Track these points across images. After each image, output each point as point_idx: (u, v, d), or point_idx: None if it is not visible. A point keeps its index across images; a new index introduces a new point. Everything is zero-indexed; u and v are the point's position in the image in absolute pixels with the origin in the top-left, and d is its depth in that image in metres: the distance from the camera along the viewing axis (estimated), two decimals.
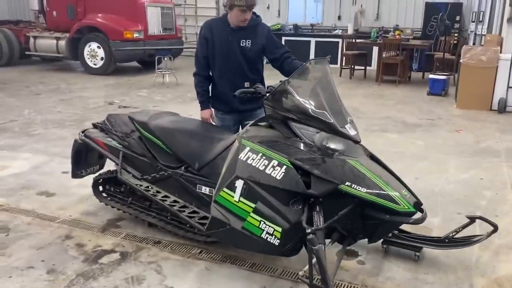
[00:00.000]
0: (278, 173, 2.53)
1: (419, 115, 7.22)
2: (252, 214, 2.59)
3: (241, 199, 2.63)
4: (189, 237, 3.22)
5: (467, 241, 2.97)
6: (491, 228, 2.89)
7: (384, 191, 2.44)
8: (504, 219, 3.66)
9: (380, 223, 2.54)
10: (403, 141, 5.89)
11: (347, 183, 2.45)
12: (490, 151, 5.48)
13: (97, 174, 3.73)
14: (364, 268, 3.01)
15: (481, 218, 2.93)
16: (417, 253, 3.07)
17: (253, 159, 2.62)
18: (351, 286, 2.80)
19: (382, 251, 3.17)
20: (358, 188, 2.44)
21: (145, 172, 3.32)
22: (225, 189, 2.70)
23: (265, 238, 2.56)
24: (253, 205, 2.59)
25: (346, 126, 2.60)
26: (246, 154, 2.66)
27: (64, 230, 3.46)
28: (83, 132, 3.61)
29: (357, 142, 2.62)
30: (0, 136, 5.91)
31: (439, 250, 3.09)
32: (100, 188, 3.71)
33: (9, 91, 8.76)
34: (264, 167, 2.58)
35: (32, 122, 6.60)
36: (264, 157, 2.59)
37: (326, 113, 2.55)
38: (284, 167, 2.52)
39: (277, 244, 2.54)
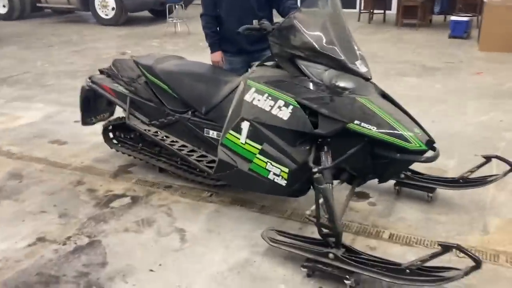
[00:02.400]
0: (284, 114, 2.45)
1: (439, 59, 6.96)
2: (258, 156, 2.54)
3: (247, 141, 2.58)
4: (199, 181, 3.21)
5: (482, 181, 2.88)
6: (508, 167, 2.79)
7: (395, 129, 2.34)
8: None
9: (390, 162, 2.46)
10: (422, 84, 5.70)
11: (356, 122, 2.36)
12: None
13: (106, 121, 3.71)
14: (375, 209, 2.97)
15: (497, 157, 2.82)
16: (430, 194, 3.00)
17: (259, 100, 2.54)
18: (361, 226, 2.77)
19: (394, 193, 3.12)
20: (368, 126, 2.35)
21: (153, 117, 3.28)
22: (231, 132, 2.64)
23: (272, 179, 2.52)
24: (259, 147, 2.54)
25: (356, 62, 2.48)
26: (252, 95, 2.58)
27: (76, 177, 3.48)
28: (90, 78, 3.56)
29: (367, 79, 2.51)
30: (14, 87, 5.92)
31: (453, 191, 3.02)
32: (111, 134, 3.70)
33: (22, 44, 8.72)
34: (270, 107, 2.50)
35: (45, 73, 6.58)
36: (270, 98, 2.51)
37: (336, 48, 2.43)
38: (291, 107, 2.44)
39: (284, 184, 2.50)
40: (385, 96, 2.58)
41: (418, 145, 2.33)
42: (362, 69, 2.48)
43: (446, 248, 2.01)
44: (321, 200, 2.32)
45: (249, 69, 3.41)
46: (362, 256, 2.25)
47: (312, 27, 2.46)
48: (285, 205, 2.99)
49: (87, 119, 3.69)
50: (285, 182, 2.48)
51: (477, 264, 1.98)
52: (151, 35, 9.39)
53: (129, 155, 3.58)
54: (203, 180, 3.17)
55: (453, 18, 8.59)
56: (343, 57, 2.41)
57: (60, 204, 3.09)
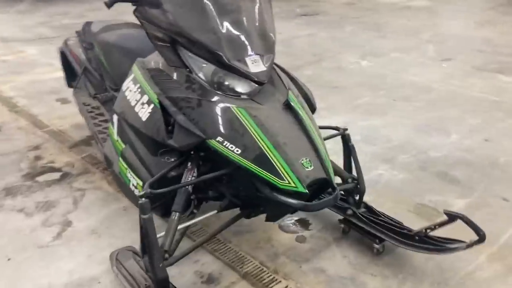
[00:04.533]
0: (144, 113, 1.93)
1: None
2: (120, 159, 2.09)
3: (118, 138, 2.13)
4: None
5: (441, 247, 2.02)
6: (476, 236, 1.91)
7: (265, 156, 1.69)
8: None
9: (268, 198, 1.81)
10: None
11: (218, 138, 1.75)
12: None
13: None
14: (297, 248, 2.30)
15: (463, 218, 1.93)
16: (377, 246, 2.22)
17: (130, 91, 2.05)
18: (257, 268, 2.14)
19: (340, 231, 2.39)
20: (231, 147, 1.73)
21: (97, 91, 2.98)
22: (110, 123, 2.22)
23: (132, 190, 2.05)
24: (122, 148, 2.08)
25: (246, 58, 1.83)
26: (128, 83, 2.10)
27: (40, 140, 3.38)
28: (65, 41, 3.37)
29: (259, 82, 1.85)
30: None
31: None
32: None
33: None
34: (135, 102, 1.99)
35: None
36: (139, 90, 2.00)
37: (214, 36, 1.81)
38: (152, 106, 1.91)
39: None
40: (290, 106, 1.87)
41: (292, 184, 1.66)
42: (253, 68, 1.83)
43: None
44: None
45: None
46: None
47: (189, 5, 1.86)
48: None
49: (70, 81, 3.54)
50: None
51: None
52: None
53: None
54: None
55: None
56: (216, 48, 1.79)
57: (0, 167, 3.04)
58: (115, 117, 2.14)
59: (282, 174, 1.67)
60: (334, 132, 2.32)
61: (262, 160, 1.70)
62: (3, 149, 3.25)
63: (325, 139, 2.34)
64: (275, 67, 2.12)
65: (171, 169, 1.88)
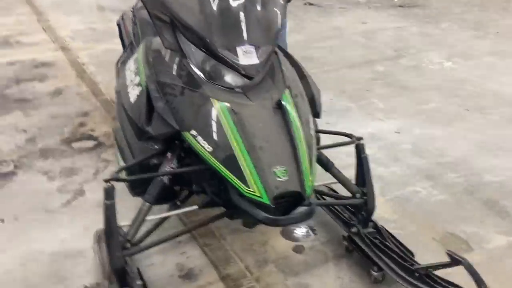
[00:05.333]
0: (133, 95, 1.88)
1: None
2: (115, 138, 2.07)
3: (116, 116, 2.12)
4: None
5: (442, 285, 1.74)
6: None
7: (235, 159, 1.55)
8: None
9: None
10: None
11: (192, 132, 1.65)
12: None
13: None
14: (291, 258, 2.12)
15: (467, 267, 1.63)
16: (375, 273, 1.98)
17: (130, 70, 2.01)
18: (238, 273, 2.01)
19: (343, 247, 2.17)
20: (203, 143, 1.62)
21: None
22: None
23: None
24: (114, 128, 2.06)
25: (238, 48, 1.69)
26: (130, 61, 2.06)
27: (91, 107, 3.52)
28: (122, 14, 3.43)
29: (247, 76, 1.69)
30: None
31: None
32: None
33: None
34: (130, 82, 1.95)
35: None
36: (136, 70, 1.95)
37: (207, 21, 1.69)
38: (140, 89, 1.84)
39: (126, 185, 1.97)
40: (280, 106, 1.70)
41: (257, 193, 1.51)
42: (243, 60, 1.68)
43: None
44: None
45: None
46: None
47: None
48: None
49: None
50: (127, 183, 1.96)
51: None
52: None
53: None
54: None
55: None
56: (205, 34, 1.67)
57: (41, 127, 3.20)
58: (115, 95, 2.13)
59: (248, 181, 1.52)
60: (347, 139, 2.07)
61: (230, 162, 1.56)
62: (56, 112, 3.43)
63: (334, 146, 2.14)
64: (283, 59, 1.94)
65: (149, 157, 1.82)
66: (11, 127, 3.19)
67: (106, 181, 1.68)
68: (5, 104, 3.53)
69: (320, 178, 2.04)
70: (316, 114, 1.92)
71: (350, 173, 2.14)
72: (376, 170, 2.79)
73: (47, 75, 4.07)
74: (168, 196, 1.90)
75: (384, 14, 6.57)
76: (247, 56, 1.68)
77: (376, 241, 2.01)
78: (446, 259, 1.68)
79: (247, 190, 1.52)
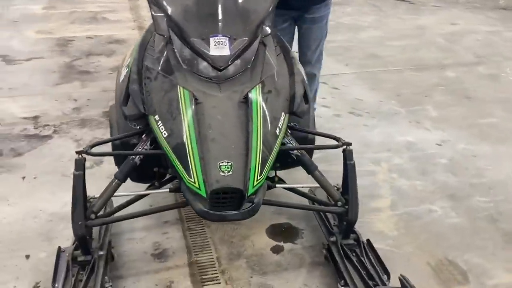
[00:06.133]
0: (121, 76, 1.95)
1: None
2: None
3: None
4: None
5: None
6: None
7: (184, 146, 1.56)
8: None
9: None
10: None
11: (156, 116, 1.68)
12: None
13: None
14: (266, 257, 2.07)
15: None
16: (341, 286, 1.86)
17: (131, 51, 2.08)
18: (208, 256, 2.03)
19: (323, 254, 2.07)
20: (162, 128, 1.65)
21: None
22: None
23: None
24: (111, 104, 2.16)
25: (211, 38, 1.67)
26: (137, 43, 2.12)
27: None
28: None
29: (217, 68, 1.67)
30: None
31: None
32: None
33: None
34: (124, 63, 2.03)
35: None
36: (131, 52, 2.02)
37: (182, 8, 1.70)
38: (126, 70, 1.91)
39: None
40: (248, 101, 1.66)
41: (196, 184, 1.52)
42: (214, 50, 1.67)
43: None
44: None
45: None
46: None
47: None
48: None
49: None
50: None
51: None
52: None
53: None
54: None
55: None
56: (183, 22, 1.68)
57: (90, 98, 3.45)
58: None
59: (191, 171, 1.52)
60: (334, 142, 1.95)
61: (180, 150, 1.57)
62: (109, 86, 3.64)
63: (318, 148, 2.05)
64: (270, 53, 1.88)
65: (125, 136, 1.89)
66: (66, 96, 3.48)
67: (78, 153, 1.77)
68: (69, 74, 3.86)
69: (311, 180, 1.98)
70: (293, 113, 1.83)
71: None
72: (396, 181, 2.63)
73: (115, 51, 4.36)
74: (147, 176, 1.96)
75: (480, 16, 6.02)
76: (218, 47, 1.67)
77: (353, 254, 1.90)
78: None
79: (189, 180, 1.52)
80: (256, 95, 1.68)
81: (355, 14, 5.87)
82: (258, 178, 1.55)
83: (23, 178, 2.55)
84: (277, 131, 1.69)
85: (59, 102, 3.39)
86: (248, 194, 1.52)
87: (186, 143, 1.56)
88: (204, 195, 1.49)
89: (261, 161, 1.57)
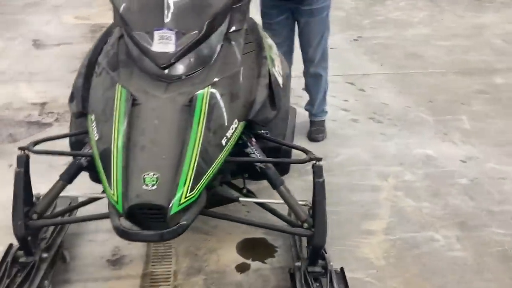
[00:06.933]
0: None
1: None
2: None
3: None
4: None
5: None
6: None
7: (110, 152, 1.39)
8: None
9: None
10: None
11: (92, 116, 1.54)
12: None
13: None
14: (227, 274, 1.88)
15: None
16: None
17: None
18: (166, 268, 1.86)
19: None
20: (94, 130, 1.50)
21: None
22: None
23: None
24: None
25: (155, 32, 1.49)
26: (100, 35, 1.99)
27: None
28: None
29: (160, 66, 1.49)
30: None
31: None
32: None
33: None
34: None
35: None
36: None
37: (129, 1, 1.53)
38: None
39: None
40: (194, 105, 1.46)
41: (115, 197, 1.35)
42: (157, 46, 1.49)
43: None
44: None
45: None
46: None
47: None
48: None
49: None
50: None
51: None
52: None
53: None
54: None
55: None
56: (126, 15, 1.52)
57: None
58: None
59: (112, 182, 1.36)
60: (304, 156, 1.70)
61: (105, 156, 1.41)
62: None
63: (285, 162, 1.81)
64: (234, 50, 1.67)
65: (72, 134, 1.77)
66: None
67: (20, 149, 1.67)
68: None
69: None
70: (251, 120, 1.61)
71: None
72: (400, 201, 2.33)
73: None
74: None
75: None
76: (162, 43, 1.48)
77: (315, 284, 1.66)
78: None
79: (109, 191, 1.36)
80: (202, 99, 1.48)
81: (407, 9, 5.42)
82: (188, 194, 1.35)
83: (10, 166, 2.52)
84: (223, 141, 1.48)
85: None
86: (171, 213, 1.33)
87: (113, 150, 1.39)
88: (120, 210, 1.32)
89: (195, 175, 1.38)
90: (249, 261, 1.96)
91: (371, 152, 2.71)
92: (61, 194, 1.74)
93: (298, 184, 2.29)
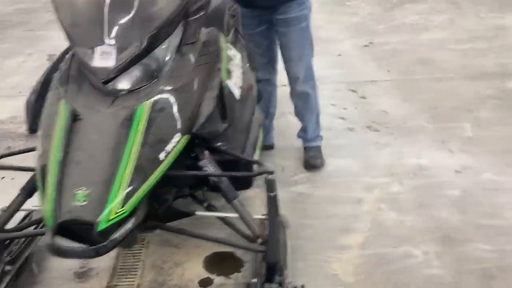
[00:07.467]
0: None
1: None
2: None
3: None
4: None
5: None
6: None
7: (46, 168, 1.41)
8: None
9: None
10: None
11: (39, 132, 1.57)
12: None
13: None
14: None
15: None
16: None
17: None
18: (129, 282, 1.87)
19: None
20: (40, 145, 1.53)
21: None
22: None
23: None
24: None
25: (97, 47, 1.50)
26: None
27: None
28: None
29: (99, 80, 1.49)
30: None
31: None
32: None
33: None
34: None
35: None
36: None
37: (71, 12, 1.56)
38: None
39: None
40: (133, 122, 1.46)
41: (46, 213, 1.36)
42: (98, 61, 1.49)
43: None
44: None
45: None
46: None
47: None
48: None
49: None
50: None
51: None
52: None
53: None
54: None
55: None
56: (69, 29, 1.54)
57: None
58: None
59: (45, 197, 1.37)
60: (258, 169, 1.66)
61: (43, 172, 1.43)
62: None
63: (230, 176, 1.75)
64: (184, 63, 1.65)
65: (28, 150, 1.81)
66: None
67: None
68: None
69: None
70: (195, 134, 1.58)
71: None
72: (382, 214, 2.24)
73: None
74: None
75: None
76: (103, 58, 1.49)
77: None
78: None
79: (41, 207, 1.38)
80: (141, 113, 1.47)
81: (425, 13, 5.24)
82: (118, 210, 1.35)
83: (2, 178, 2.61)
84: (162, 156, 1.46)
85: None
86: (100, 229, 1.32)
87: (49, 166, 1.41)
88: (50, 226, 1.33)
89: (128, 190, 1.37)
90: (213, 276, 1.93)
91: (362, 163, 2.62)
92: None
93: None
